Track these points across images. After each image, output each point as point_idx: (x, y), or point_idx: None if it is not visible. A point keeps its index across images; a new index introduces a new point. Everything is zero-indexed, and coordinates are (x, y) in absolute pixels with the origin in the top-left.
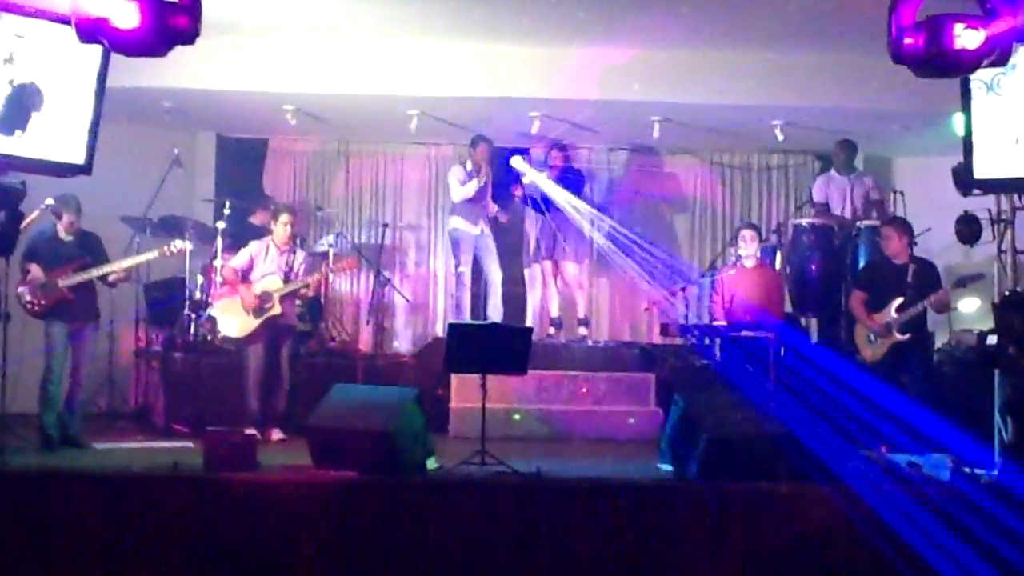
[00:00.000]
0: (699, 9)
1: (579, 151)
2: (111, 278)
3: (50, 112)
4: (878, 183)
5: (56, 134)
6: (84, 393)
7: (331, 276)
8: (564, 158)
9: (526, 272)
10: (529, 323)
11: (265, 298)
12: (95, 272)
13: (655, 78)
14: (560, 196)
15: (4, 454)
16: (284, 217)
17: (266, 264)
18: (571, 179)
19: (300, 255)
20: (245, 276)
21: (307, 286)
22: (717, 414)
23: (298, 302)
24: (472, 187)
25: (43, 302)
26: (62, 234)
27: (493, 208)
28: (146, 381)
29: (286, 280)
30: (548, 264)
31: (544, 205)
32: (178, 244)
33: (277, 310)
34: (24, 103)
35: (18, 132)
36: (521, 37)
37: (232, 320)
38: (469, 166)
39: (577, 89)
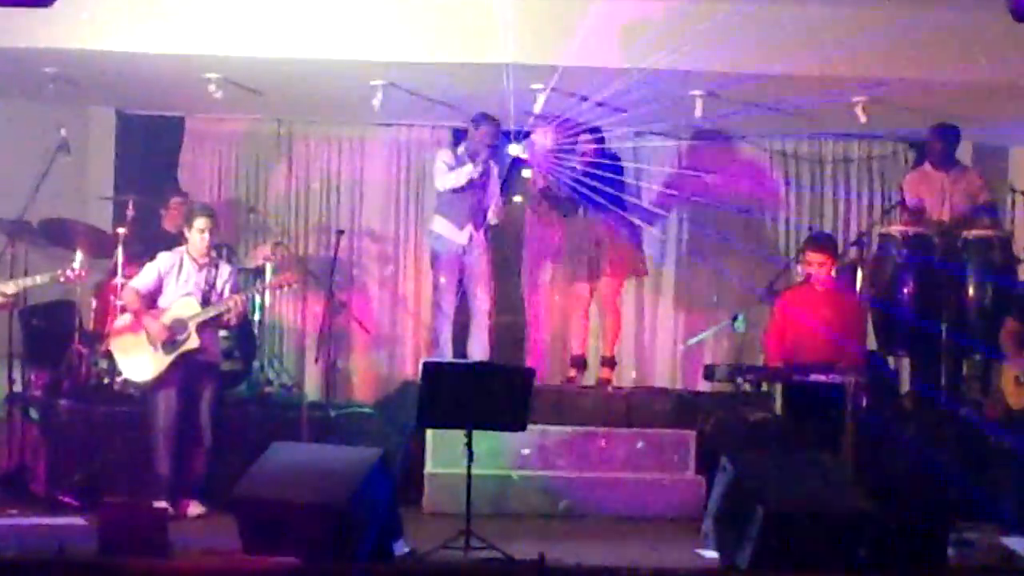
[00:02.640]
0: None
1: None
2: None
3: None
4: (987, 180)
5: None
6: None
7: (263, 297)
8: (598, 143)
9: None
10: (530, 362)
11: (178, 328)
12: None
13: (695, 40)
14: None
15: None
16: (200, 222)
17: (179, 283)
18: (607, 170)
19: (225, 270)
20: (152, 299)
21: (230, 309)
22: (777, 484)
23: (223, 333)
24: (464, 174)
25: None
26: None
27: (494, 213)
28: (21, 437)
29: (205, 302)
30: (583, 285)
31: (573, 203)
32: (77, 264)
33: (194, 343)
34: None
35: None
36: None
37: (135, 358)
38: (461, 150)
39: (594, 54)
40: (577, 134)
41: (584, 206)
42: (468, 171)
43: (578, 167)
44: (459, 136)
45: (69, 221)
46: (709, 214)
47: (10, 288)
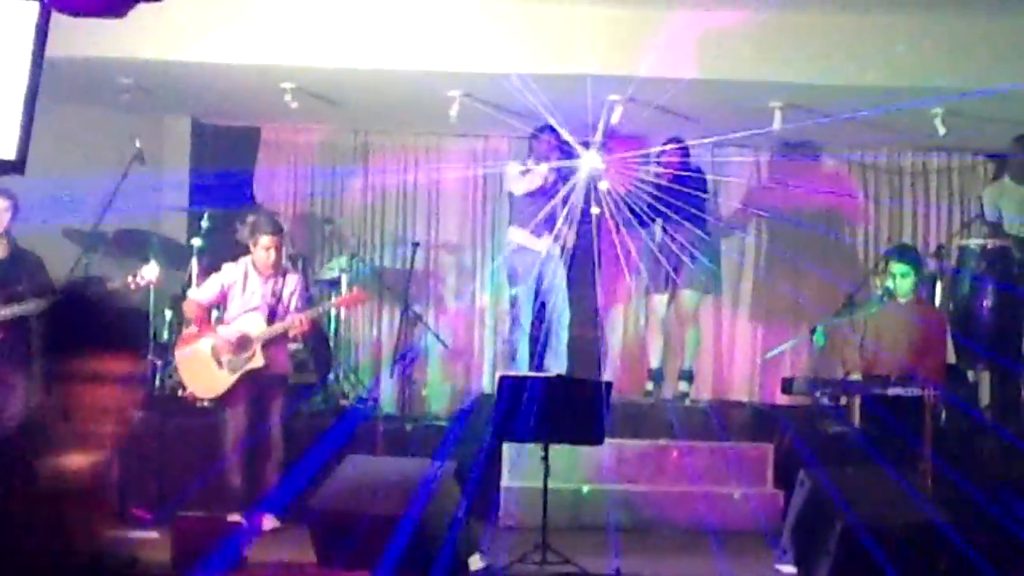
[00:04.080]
0: None
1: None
2: None
3: None
4: None
5: None
6: None
7: (337, 311)
8: (682, 155)
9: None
10: (607, 376)
11: (243, 344)
12: (29, 306)
13: (773, 51)
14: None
15: None
16: (265, 240)
17: (245, 296)
18: (689, 184)
19: (292, 281)
20: (218, 312)
21: (299, 325)
22: (855, 498)
23: (297, 345)
24: (539, 175)
25: None
26: None
27: (567, 234)
28: None
29: (272, 317)
30: (660, 298)
31: (649, 216)
32: (147, 272)
33: (259, 361)
34: None
35: None
36: None
37: (201, 376)
38: (531, 163)
39: (671, 65)
40: (659, 145)
41: (661, 219)
42: (542, 172)
43: (658, 179)
44: (532, 148)
45: (144, 232)
46: (788, 227)
47: None
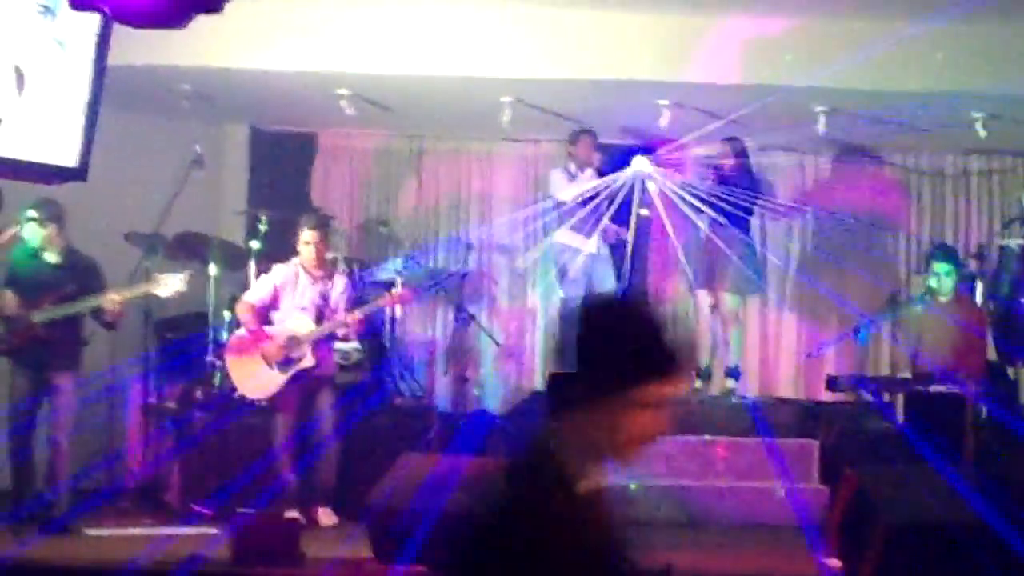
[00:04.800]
0: None
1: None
2: (107, 316)
3: (33, 100)
4: None
5: (41, 128)
6: (70, 463)
7: (386, 314)
8: (736, 157)
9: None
10: None
11: (292, 346)
12: (78, 306)
13: (817, 56)
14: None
15: None
16: (307, 235)
17: (295, 297)
18: (743, 184)
19: (340, 283)
20: (266, 312)
21: (346, 326)
22: (900, 494)
23: (353, 345)
24: (586, 180)
25: (13, 340)
26: (48, 254)
27: (615, 229)
28: (156, 448)
29: (319, 319)
30: (704, 294)
31: (697, 215)
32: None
33: (309, 362)
34: None
35: None
36: (643, 4)
37: (250, 377)
38: (573, 167)
39: (717, 70)
40: (709, 146)
41: (707, 219)
42: (587, 177)
43: (708, 180)
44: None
45: (203, 235)
46: (832, 228)
47: (116, 297)
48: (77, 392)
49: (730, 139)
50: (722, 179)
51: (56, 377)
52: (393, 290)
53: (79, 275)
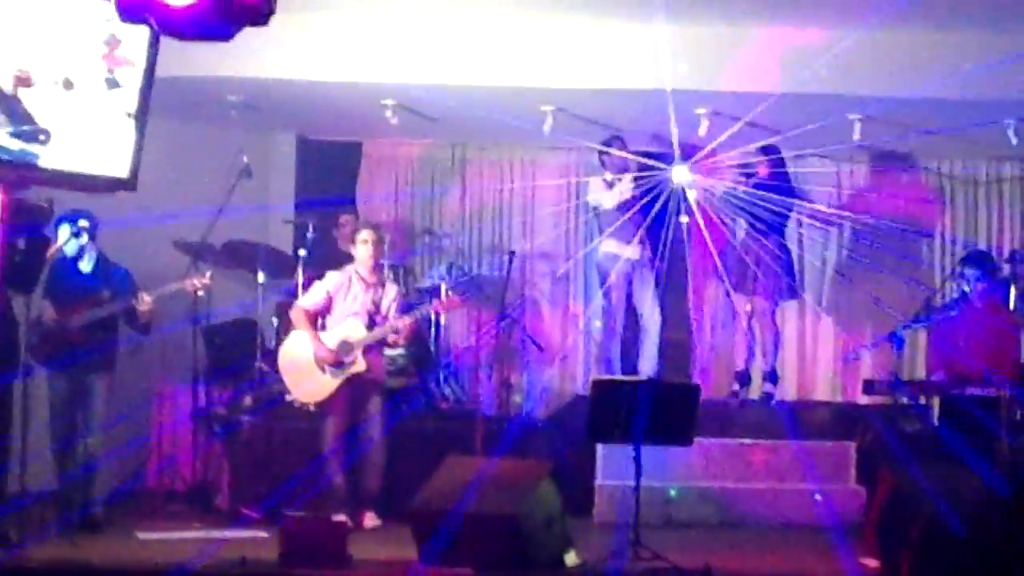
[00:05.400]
0: None
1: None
2: (140, 318)
3: (83, 112)
4: None
5: (91, 139)
6: (103, 464)
7: (437, 317)
8: (772, 165)
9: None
10: (696, 377)
11: (344, 350)
12: (111, 307)
13: (853, 66)
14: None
15: (25, 544)
16: (364, 234)
17: (347, 302)
18: (779, 191)
19: (391, 291)
20: (321, 318)
21: (397, 332)
22: (935, 495)
23: (399, 351)
24: (627, 184)
25: (49, 347)
26: (81, 264)
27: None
28: (205, 452)
29: (372, 324)
30: (741, 300)
31: (734, 221)
32: (201, 277)
33: (360, 366)
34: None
35: (41, 137)
36: (684, 14)
37: (303, 381)
38: (608, 176)
39: (755, 79)
40: (747, 155)
41: (744, 225)
42: (627, 181)
43: (744, 188)
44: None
45: (251, 243)
46: (868, 234)
47: (147, 297)
48: (111, 394)
49: (765, 147)
50: (758, 186)
51: (91, 380)
52: (443, 297)
53: (113, 282)
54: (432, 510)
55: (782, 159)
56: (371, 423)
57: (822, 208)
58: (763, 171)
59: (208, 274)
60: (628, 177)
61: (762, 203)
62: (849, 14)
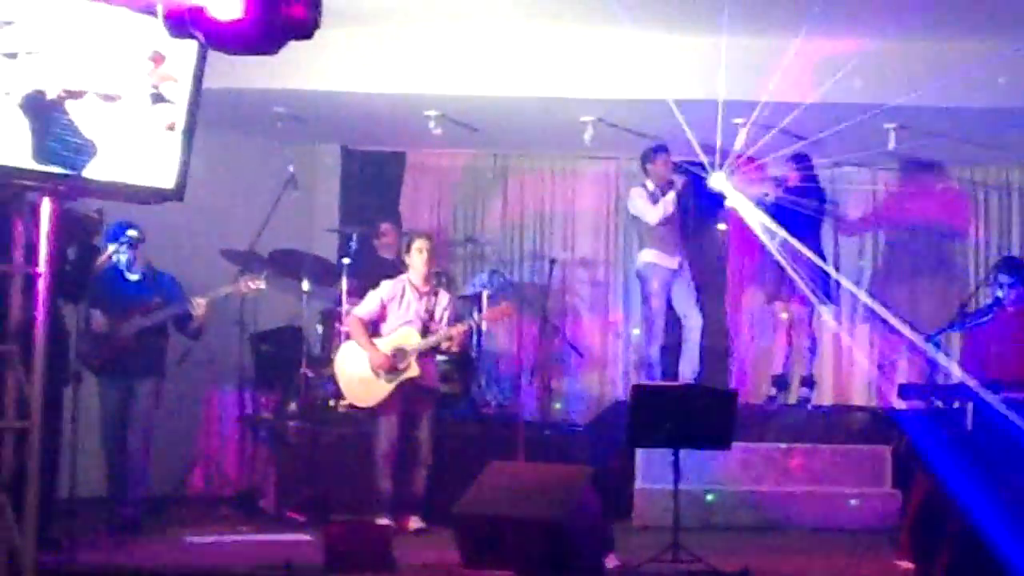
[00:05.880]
0: None
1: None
2: (193, 323)
3: (131, 124)
4: None
5: (136, 152)
6: (144, 465)
7: (482, 326)
8: (803, 171)
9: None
10: (732, 381)
11: (399, 357)
12: (164, 313)
13: (888, 76)
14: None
15: (74, 548)
16: (419, 243)
17: (401, 310)
18: (808, 198)
19: (444, 299)
20: (375, 326)
21: (450, 339)
22: (968, 498)
23: (442, 358)
24: (671, 200)
25: (102, 355)
26: (129, 273)
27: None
28: (252, 457)
29: (425, 332)
30: (779, 306)
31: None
32: (256, 280)
33: (414, 371)
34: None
35: (88, 149)
36: (720, 27)
37: (358, 386)
38: (651, 186)
39: (792, 90)
40: (781, 163)
41: (780, 233)
42: (671, 199)
43: (775, 195)
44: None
45: (296, 252)
46: (903, 240)
47: (201, 300)
48: (161, 400)
49: (795, 155)
50: (789, 193)
51: (141, 386)
52: (500, 303)
53: (162, 290)
54: (475, 514)
55: (812, 167)
56: (421, 428)
57: (854, 215)
58: (793, 179)
59: (264, 275)
60: (671, 195)
61: (796, 211)
62: (884, 25)
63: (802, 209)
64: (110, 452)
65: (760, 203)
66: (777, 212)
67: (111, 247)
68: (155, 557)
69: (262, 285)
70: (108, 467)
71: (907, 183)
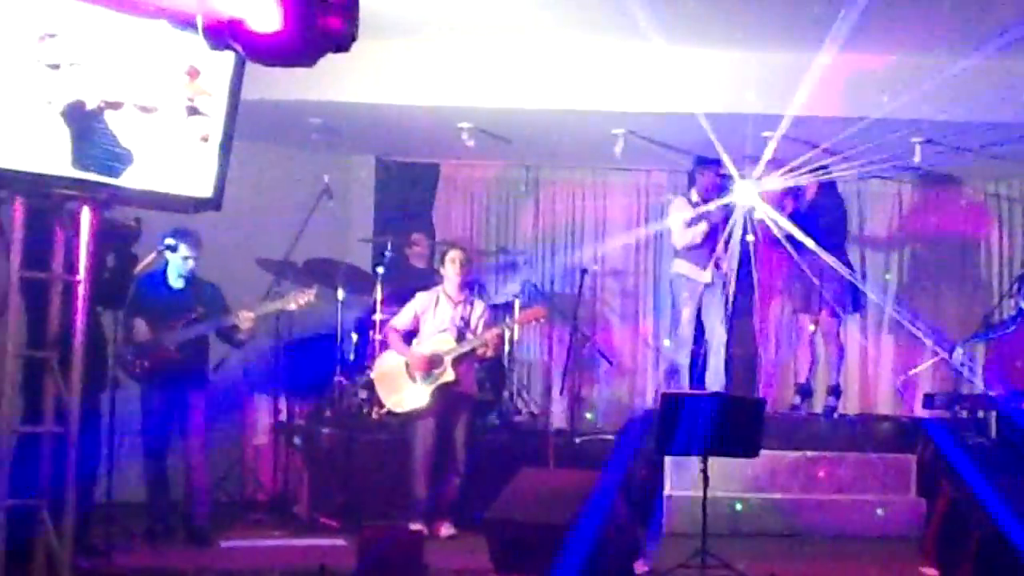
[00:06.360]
0: (964, 9)
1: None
2: (241, 335)
3: (166, 135)
4: None
5: (179, 161)
6: (207, 476)
7: (515, 331)
8: (821, 184)
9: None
10: (760, 390)
11: (434, 361)
12: (212, 325)
13: (914, 90)
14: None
15: (111, 553)
16: (453, 254)
17: (436, 319)
18: (829, 210)
19: (479, 307)
20: (410, 337)
21: (485, 345)
22: (993, 506)
23: (475, 365)
24: (700, 232)
25: (145, 363)
26: (172, 280)
27: (725, 262)
28: (286, 463)
29: (461, 339)
30: (805, 318)
31: (794, 242)
32: (305, 293)
33: (450, 376)
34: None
35: (126, 158)
36: (750, 42)
37: (396, 392)
38: (695, 197)
39: (821, 104)
40: (801, 176)
41: (804, 245)
42: (702, 230)
43: (799, 208)
44: (693, 180)
45: (331, 261)
46: (928, 252)
47: (249, 314)
48: (207, 407)
49: (815, 168)
50: (813, 206)
51: (188, 396)
52: (532, 309)
53: (205, 298)
54: (507, 520)
55: (832, 181)
56: (457, 434)
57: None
58: (811, 192)
59: (314, 289)
60: (703, 226)
61: (818, 221)
62: (911, 41)
63: (822, 222)
64: (149, 460)
65: (785, 215)
66: (801, 223)
67: (150, 255)
68: (190, 561)
69: (312, 299)
70: (146, 474)
71: (931, 195)
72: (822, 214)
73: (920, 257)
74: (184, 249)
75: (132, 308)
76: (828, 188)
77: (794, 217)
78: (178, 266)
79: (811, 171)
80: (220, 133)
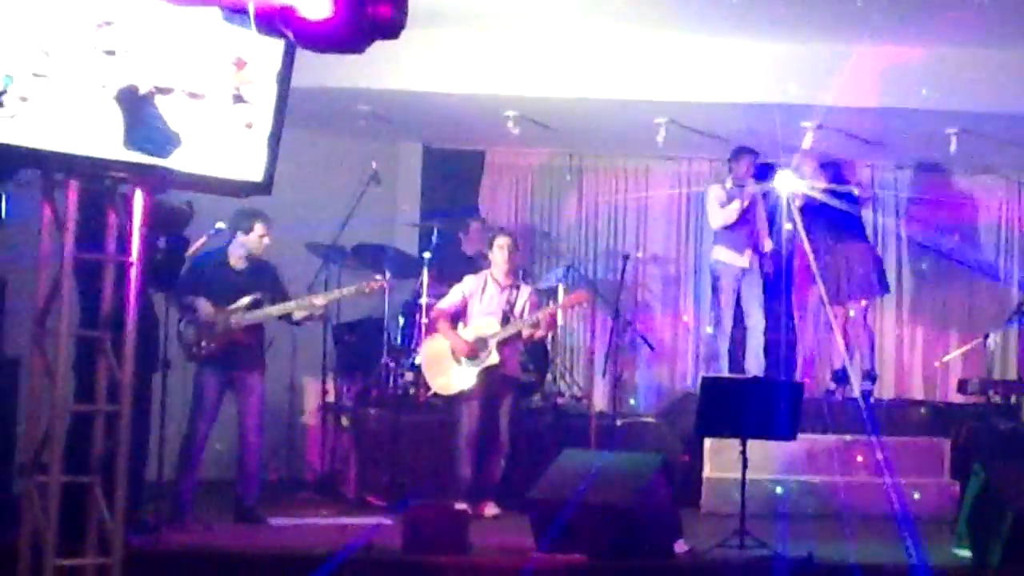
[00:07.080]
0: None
1: (860, 169)
2: (298, 315)
3: (213, 121)
4: None
5: (228, 146)
6: (260, 457)
7: (559, 316)
8: (829, 177)
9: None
10: (799, 376)
11: (479, 345)
12: (279, 309)
13: (950, 82)
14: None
15: (159, 529)
16: (501, 240)
17: (483, 303)
18: (854, 200)
19: (525, 292)
20: (457, 319)
21: (535, 325)
22: None
23: (520, 348)
24: (734, 210)
25: (211, 344)
26: (233, 261)
27: (767, 243)
28: (333, 444)
29: (506, 322)
30: (836, 309)
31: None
32: (377, 280)
33: (495, 359)
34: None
35: (177, 142)
36: (790, 33)
37: (442, 374)
38: (730, 184)
39: (857, 95)
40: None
41: (833, 233)
42: (736, 207)
43: (830, 197)
44: (731, 169)
45: (379, 246)
46: (960, 240)
47: (319, 300)
48: (260, 391)
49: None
50: (840, 195)
51: (246, 377)
52: (575, 293)
53: (265, 280)
54: (549, 500)
55: (841, 172)
56: (501, 416)
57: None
58: (820, 184)
59: (386, 275)
60: (736, 205)
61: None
62: (948, 32)
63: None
64: (189, 437)
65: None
66: (830, 214)
67: (202, 238)
68: (239, 538)
69: (384, 284)
70: (182, 450)
71: (966, 185)
72: (850, 204)
73: (956, 245)
74: (259, 228)
75: (192, 288)
76: (837, 181)
77: (827, 205)
78: (250, 245)
79: (832, 162)
80: (269, 120)
